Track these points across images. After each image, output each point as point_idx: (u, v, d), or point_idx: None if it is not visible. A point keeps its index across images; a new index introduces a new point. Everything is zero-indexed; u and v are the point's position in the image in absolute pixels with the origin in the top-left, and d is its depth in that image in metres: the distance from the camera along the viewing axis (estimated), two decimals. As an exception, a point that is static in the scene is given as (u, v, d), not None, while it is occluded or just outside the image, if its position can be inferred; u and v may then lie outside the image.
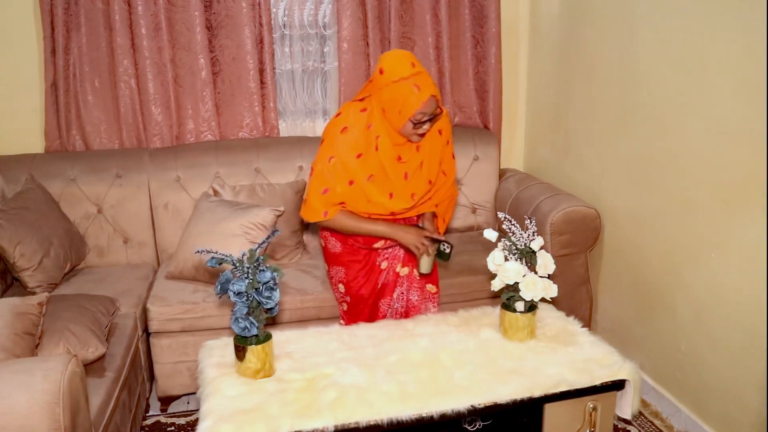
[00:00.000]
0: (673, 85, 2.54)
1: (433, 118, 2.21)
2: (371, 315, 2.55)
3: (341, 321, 2.62)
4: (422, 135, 2.25)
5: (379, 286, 2.53)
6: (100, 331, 2.36)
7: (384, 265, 2.51)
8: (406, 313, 2.54)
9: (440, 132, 2.36)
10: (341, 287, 2.54)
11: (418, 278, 2.51)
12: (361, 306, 2.54)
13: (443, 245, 2.39)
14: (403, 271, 2.52)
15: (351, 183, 2.29)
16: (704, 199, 2.43)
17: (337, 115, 2.35)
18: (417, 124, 2.18)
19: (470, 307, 2.50)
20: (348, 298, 2.55)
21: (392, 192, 2.33)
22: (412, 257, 2.49)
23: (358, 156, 2.26)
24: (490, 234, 2.20)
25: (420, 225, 2.43)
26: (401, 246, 2.45)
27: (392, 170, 2.30)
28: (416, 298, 2.55)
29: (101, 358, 2.34)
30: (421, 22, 3.56)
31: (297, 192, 3.21)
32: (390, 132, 2.25)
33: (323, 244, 2.54)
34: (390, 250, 2.50)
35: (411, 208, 2.39)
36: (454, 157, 2.47)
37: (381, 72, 2.17)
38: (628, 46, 2.80)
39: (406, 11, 3.54)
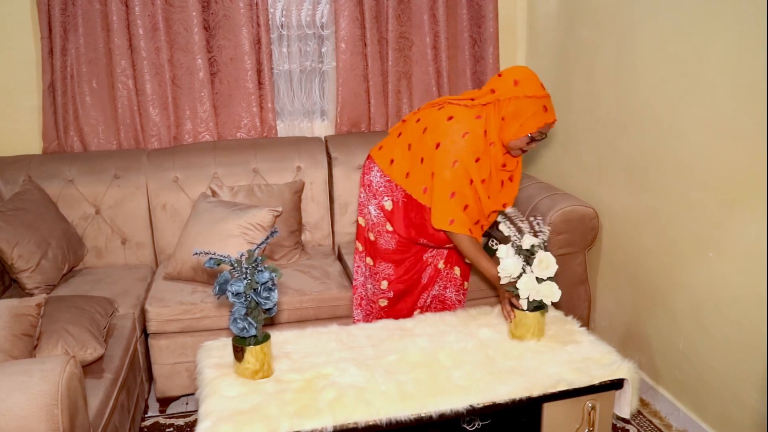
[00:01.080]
0: (671, 85, 2.54)
1: (540, 140, 2.33)
2: (410, 309, 2.62)
3: (356, 319, 2.70)
4: (525, 152, 2.38)
5: (424, 281, 2.62)
6: (98, 332, 2.36)
7: (429, 261, 2.62)
8: (443, 308, 2.66)
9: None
10: (384, 284, 2.58)
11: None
12: (404, 300, 2.61)
13: (492, 242, 2.51)
14: (441, 265, 2.63)
15: (471, 182, 2.32)
16: (702, 198, 2.43)
17: (450, 118, 2.34)
18: (531, 141, 2.30)
19: (470, 307, 2.50)
20: (390, 294, 2.59)
21: (490, 196, 2.41)
22: (457, 257, 2.63)
23: (477, 160, 2.31)
24: (504, 228, 2.27)
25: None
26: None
27: (496, 176, 2.39)
28: (453, 294, 2.68)
29: (100, 359, 2.33)
30: (418, 22, 3.56)
31: (295, 192, 3.21)
32: (500, 141, 2.34)
33: (373, 239, 2.56)
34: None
35: (497, 214, 2.47)
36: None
37: (516, 83, 2.25)
38: (626, 45, 2.80)
39: (404, 11, 3.55)
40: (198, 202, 3.10)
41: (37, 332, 2.12)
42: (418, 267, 2.60)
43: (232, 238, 2.85)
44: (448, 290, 2.68)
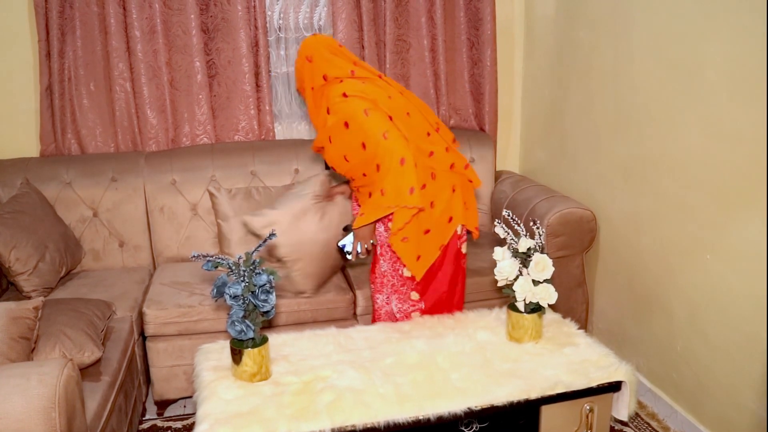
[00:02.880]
0: (668, 87, 2.54)
1: None
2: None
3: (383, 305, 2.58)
4: None
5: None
6: (96, 335, 2.36)
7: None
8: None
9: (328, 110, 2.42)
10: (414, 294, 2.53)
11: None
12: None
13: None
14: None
15: (390, 118, 2.33)
16: (700, 200, 2.44)
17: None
18: None
19: (468, 309, 2.50)
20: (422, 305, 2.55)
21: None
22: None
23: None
24: (500, 231, 2.25)
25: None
26: None
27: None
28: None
29: (97, 362, 2.33)
30: (416, 25, 3.57)
31: (294, 194, 3.22)
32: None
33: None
34: None
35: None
36: (365, 147, 2.35)
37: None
38: (623, 47, 2.81)
39: (402, 14, 3.55)
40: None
41: (35, 335, 2.12)
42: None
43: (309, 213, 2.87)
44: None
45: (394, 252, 2.44)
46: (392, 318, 2.53)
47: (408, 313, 2.51)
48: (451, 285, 2.56)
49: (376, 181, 2.31)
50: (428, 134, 2.44)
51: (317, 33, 2.63)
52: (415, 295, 2.50)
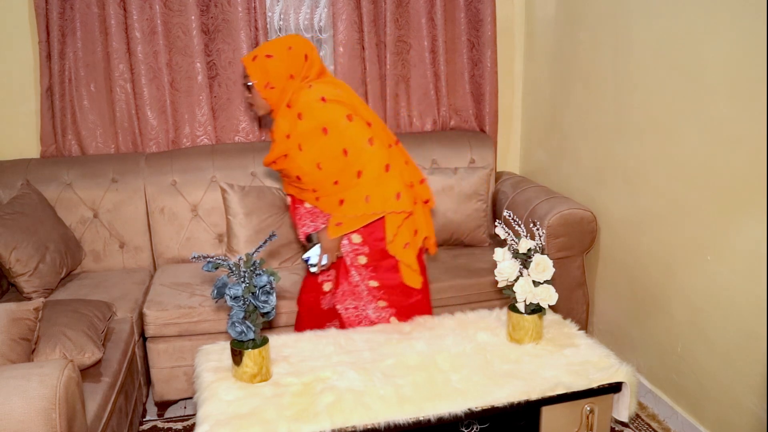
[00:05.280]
0: (669, 88, 2.55)
1: (245, 86, 2.37)
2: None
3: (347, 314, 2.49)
4: (249, 104, 2.45)
5: None
6: (96, 336, 2.36)
7: None
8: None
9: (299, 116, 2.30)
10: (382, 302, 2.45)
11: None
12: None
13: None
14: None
15: (369, 125, 2.29)
16: (700, 201, 2.44)
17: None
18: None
19: (467, 310, 2.50)
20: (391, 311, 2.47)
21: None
22: None
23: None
24: (500, 231, 2.23)
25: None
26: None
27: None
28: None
29: (98, 363, 2.33)
30: (416, 26, 3.57)
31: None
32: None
33: (380, 236, 2.36)
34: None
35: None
36: (347, 153, 2.26)
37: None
38: (624, 49, 2.81)
39: (402, 15, 3.55)
40: None
41: (35, 336, 2.12)
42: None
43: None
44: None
45: (361, 265, 2.37)
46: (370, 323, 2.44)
47: (386, 318, 2.44)
48: (416, 294, 2.46)
49: (352, 187, 2.25)
50: (390, 146, 2.35)
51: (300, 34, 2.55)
52: (382, 303, 2.43)
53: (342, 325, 2.45)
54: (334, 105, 2.26)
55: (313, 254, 2.36)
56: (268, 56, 2.28)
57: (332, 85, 2.35)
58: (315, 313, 2.56)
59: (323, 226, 2.38)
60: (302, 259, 2.39)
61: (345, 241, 2.37)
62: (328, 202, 2.34)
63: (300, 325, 2.60)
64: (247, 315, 1.93)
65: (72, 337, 2.25)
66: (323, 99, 2.25)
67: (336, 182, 2.28)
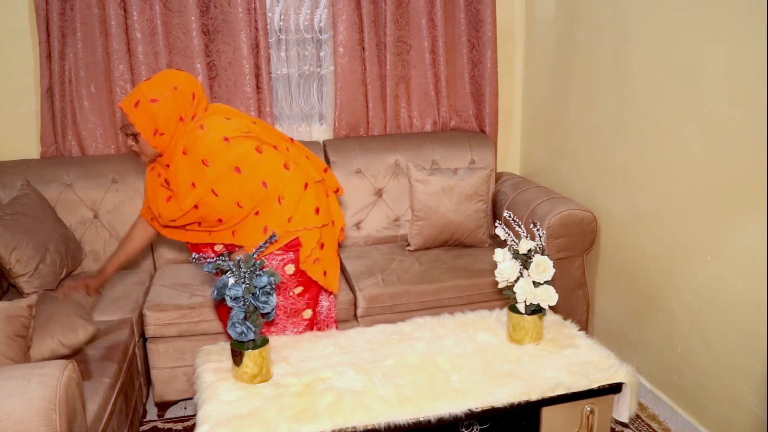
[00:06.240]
0: (669, 88, 2.55)
1: (129, 135, 2.20)
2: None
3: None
4: (134, 152, 2.26)
5: None
6: (84, 312, 2.35)
7: None
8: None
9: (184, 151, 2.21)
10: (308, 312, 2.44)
11: None
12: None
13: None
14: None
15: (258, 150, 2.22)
16: (700, 201, 2.44)
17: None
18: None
19: (467, 311, 2.50)
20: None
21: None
22: None
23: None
24: (501, 232, 2.24)
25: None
26: None
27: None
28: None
29: (96, 362, 2.33)
30: (416, 27, 3.57)
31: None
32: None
33: (293, 257, 2.32)
34: None
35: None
36: (266, 185, 2.22)
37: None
38: (624, 49, 2.81)
39: (402, 15, 3.55)
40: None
41: (30, 333, 2.13)
42: None
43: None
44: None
45: (289, 275, 2.33)
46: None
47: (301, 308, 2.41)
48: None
49: (274, 213, 2.21)
50: (287, 149, 2.32)
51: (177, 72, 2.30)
52: (307, 314, 2.41)
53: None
54: (239, 141, 2.17)
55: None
56: (153, 100, 2.11)
57: (221, 115, 2.24)
58: None
59: (237, 250, 2.32)
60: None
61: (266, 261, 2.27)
62: (248, 233, 2.26)
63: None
64: (247, 315, 1.94)
65: (61, 320, 2.27)
66: (226, 139, 2.15)
67: (257, 213, 2.24)
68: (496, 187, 3.57)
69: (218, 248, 2.40)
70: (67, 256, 2.98)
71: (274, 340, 2.22)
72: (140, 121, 2.13)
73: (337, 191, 2.46)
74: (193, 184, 2.19)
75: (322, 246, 2.33)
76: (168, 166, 2.24)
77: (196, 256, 2.05)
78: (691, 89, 2.43)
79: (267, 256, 2.27)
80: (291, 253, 2.31)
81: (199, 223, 2.30)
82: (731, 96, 2.25)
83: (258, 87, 3.45)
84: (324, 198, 2.35)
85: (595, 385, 2.02)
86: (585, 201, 3.14)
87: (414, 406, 1.89)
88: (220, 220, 2.26)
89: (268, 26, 3.45)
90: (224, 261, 1.94)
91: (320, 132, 3.69)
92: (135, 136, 2.18)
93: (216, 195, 2.18)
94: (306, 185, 2.25)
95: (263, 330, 2.11)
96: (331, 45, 3.51)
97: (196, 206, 2.22)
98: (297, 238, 2.28)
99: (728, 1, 2.23)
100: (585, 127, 3.17)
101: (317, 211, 2.26)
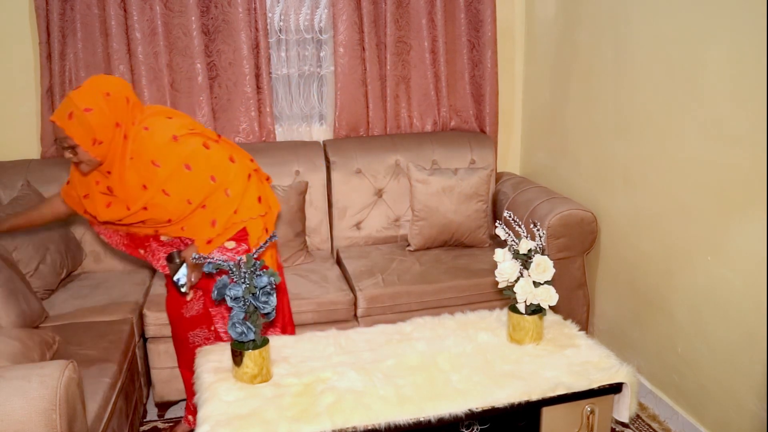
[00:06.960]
0: (669, 89, 2.55)
1: (66, 148, 2.13)
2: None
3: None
4: (74, 163, 2.20)
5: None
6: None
7: None
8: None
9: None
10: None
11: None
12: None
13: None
14: None
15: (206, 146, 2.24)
16: (700, 201, 2.44)
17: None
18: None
19: (468, 311, 2.50)
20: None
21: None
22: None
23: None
24: (501, 232, 2.23)
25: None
26: None
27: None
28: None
29: (96, 362, 2.33)
30: (417, 27, 3.57)
31: (300, 193, 3.21)
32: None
33: (246, 248, 2.31)
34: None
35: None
36: (215, 179, 2.23)
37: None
38: (624, 49, 2.81)
39: (402, 15, 3.55)
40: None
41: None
42: None
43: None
44: None
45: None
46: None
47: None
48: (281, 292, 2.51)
49: (221, 206, 2.21)
50: (217, 141, 2.32)
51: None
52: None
53: (209, 330, 2.46)
54: (187, 139, 2.18)
55: (182, 275, 2.27)
56: (87, 110, 2.05)
57: (162, 116, 2.23)
58: (181, 323, 2.51)
59: (188, 246, 2.31)
60: (173, 281, 2.28)
61: (216, 254, 2.25)
62: (197, 227, 2.26)
63: (173, 337, 2.61)
64: (247, 315, 1.94)
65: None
66: (175, 138, 2.16)
67: (204, 206, 2.23)
68: (497, 187, 3.57)
69: (164, 239, 2.40)
70: (68, 256, 2.98)
71: (274, 340, 2.22)
72: (77, 132, 2.06)
73: (268, 179, 2.48)
74: (145, 186, 2.17)
75: (267, 231, 2.34)
76: (109, 173, 2.19)
77: (197, 256, 2.06)
78: (691, 89, 2.43)
79: (221, 249, 2.27)
80: (244, 244, 2.30)
81: (144, 222, 2.28)
82: (731, 96, 2.25)
83: (258, 87, 3.45)
84: (263, 187, 2.37)
85: (595, 385, 2.02)
86: (585, 201, 3.14)
87: (414, 406, 1.89)
88: (169, 221, 2.25)
89: (269, 26, 3.45)
90: (223, 261, 1.94)
91: (320, 132, 3.69)
92: (73, 149, 2.11)
93: (167, 195, 2.17)
94: (249, 176, 2.27)
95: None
96: (331, 45, 3.51)
97: (145, 207, 2.20)
98: (244, 228, 2.28)
99: (728, 2, 2.23)
100: (585, 127, 3.17)
101: (260, 200, 2.29)
